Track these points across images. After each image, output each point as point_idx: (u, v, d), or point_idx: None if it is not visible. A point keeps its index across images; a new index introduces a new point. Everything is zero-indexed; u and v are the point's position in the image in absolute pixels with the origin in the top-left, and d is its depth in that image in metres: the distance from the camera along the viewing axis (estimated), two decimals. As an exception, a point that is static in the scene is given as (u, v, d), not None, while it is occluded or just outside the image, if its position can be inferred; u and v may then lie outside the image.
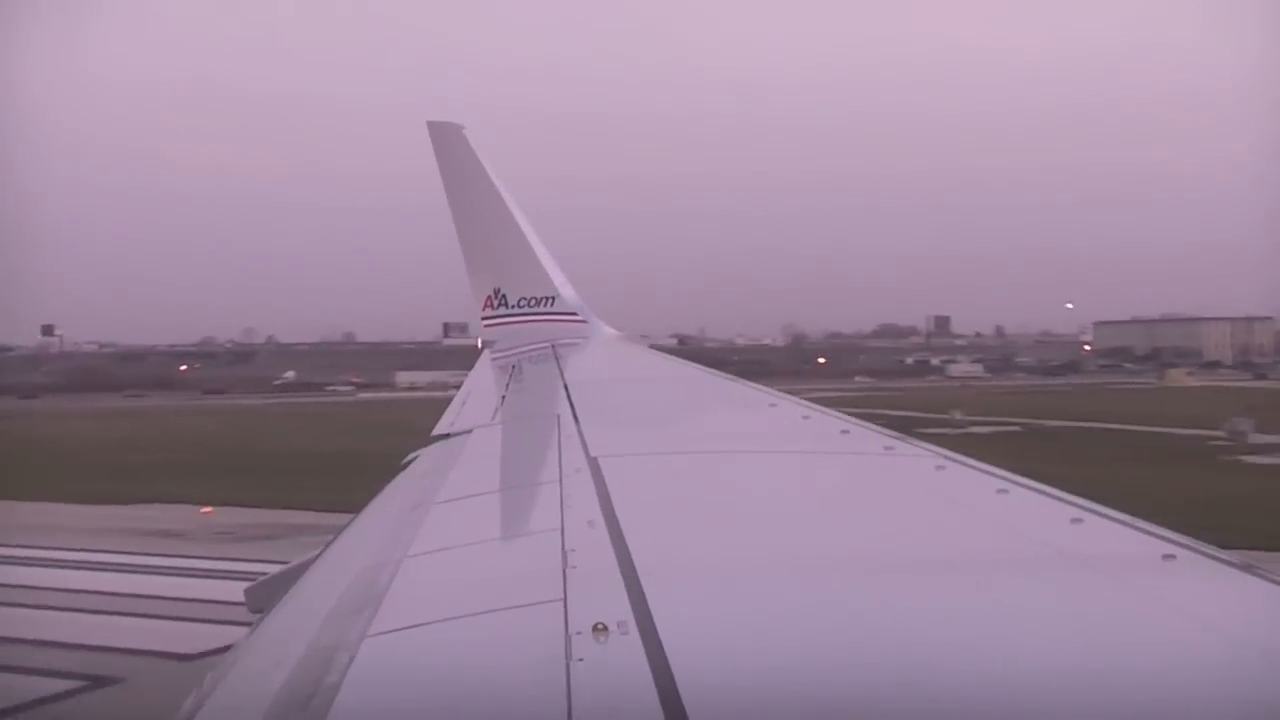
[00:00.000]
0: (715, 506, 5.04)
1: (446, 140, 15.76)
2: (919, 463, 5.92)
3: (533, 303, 15.63)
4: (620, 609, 3.08)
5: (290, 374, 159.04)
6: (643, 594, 3.23)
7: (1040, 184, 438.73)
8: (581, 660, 2.74)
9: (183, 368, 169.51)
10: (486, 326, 15.85)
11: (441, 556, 4.29)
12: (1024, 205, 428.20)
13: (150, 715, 17.00)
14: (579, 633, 2.92)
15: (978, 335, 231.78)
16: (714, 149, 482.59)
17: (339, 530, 5.74)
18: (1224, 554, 3.80)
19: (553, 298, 15.60)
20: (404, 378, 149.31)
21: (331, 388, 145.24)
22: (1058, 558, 3.91)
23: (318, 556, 5.22)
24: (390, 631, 3.25)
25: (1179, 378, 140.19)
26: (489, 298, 15.73)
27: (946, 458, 5.84)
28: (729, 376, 12.55)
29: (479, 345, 16.40)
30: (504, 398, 11.15)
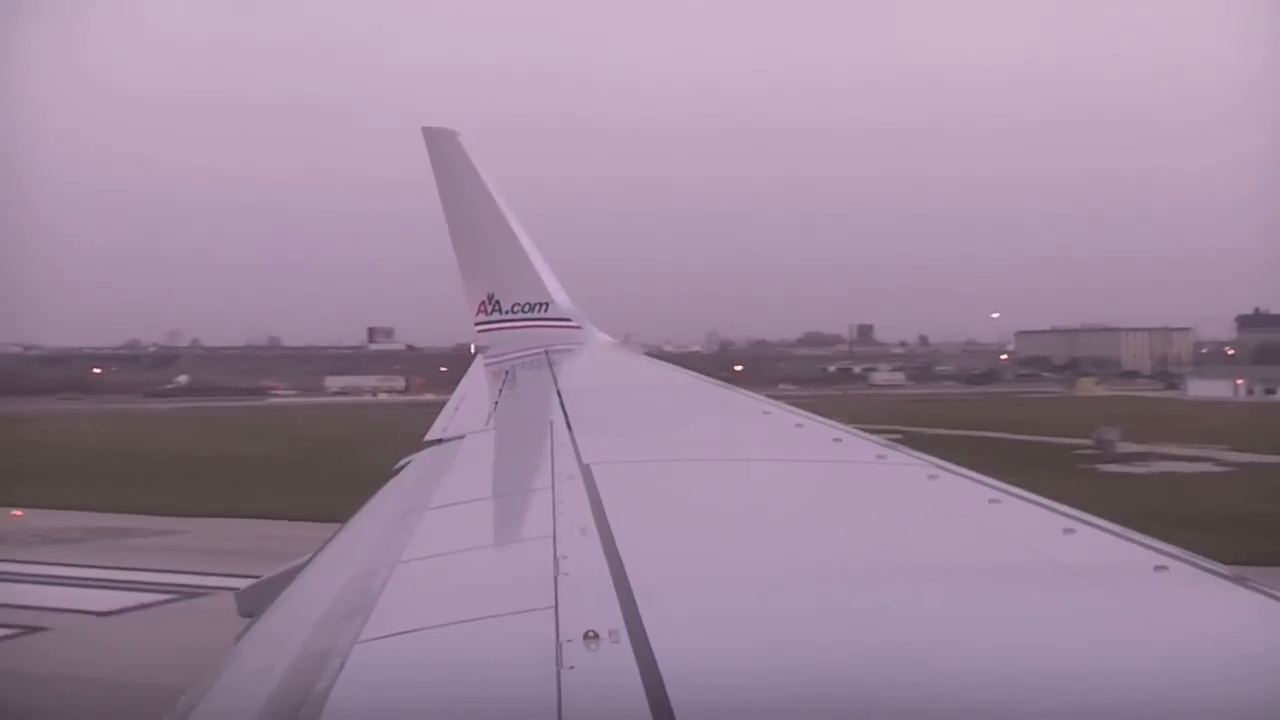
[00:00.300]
0: (707, 514, 5.04)
1: (441, 146, 15.70)
2: (911, 472, 5.90)
3: (526, 309, 15.55)
4: (611, 617, 3.08)
5: (183, 379, 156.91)
6: (634, 602, 3.22)
7: (974, 194, 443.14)
8: (572, 668, 2.74)
9: (96, 371, 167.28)
10: (480, 332, 15.78)
11: (434, 563, 4.27)
12: (957, 215, 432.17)
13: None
14: (570, 640, 2.91)
15: (902, 344, 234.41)
16: (642, 155, 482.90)
17: (332, 535, 5.73)
18: (1216, 565, 3.80)
19: (546, 304, 15.52)
20: (334, 382, 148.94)
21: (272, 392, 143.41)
22: (1050, 568, 3.90)
23: (309, 561, 5.20)
24: (382, 638, 3.24)
25: (1087, 387, 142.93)
26: (483, 303, 15.64)
27: (939, 467, 5.82)
28: (722, 384, 12.64)
29: (472, 350, 16.44)
30: (497, 403, 11.09)
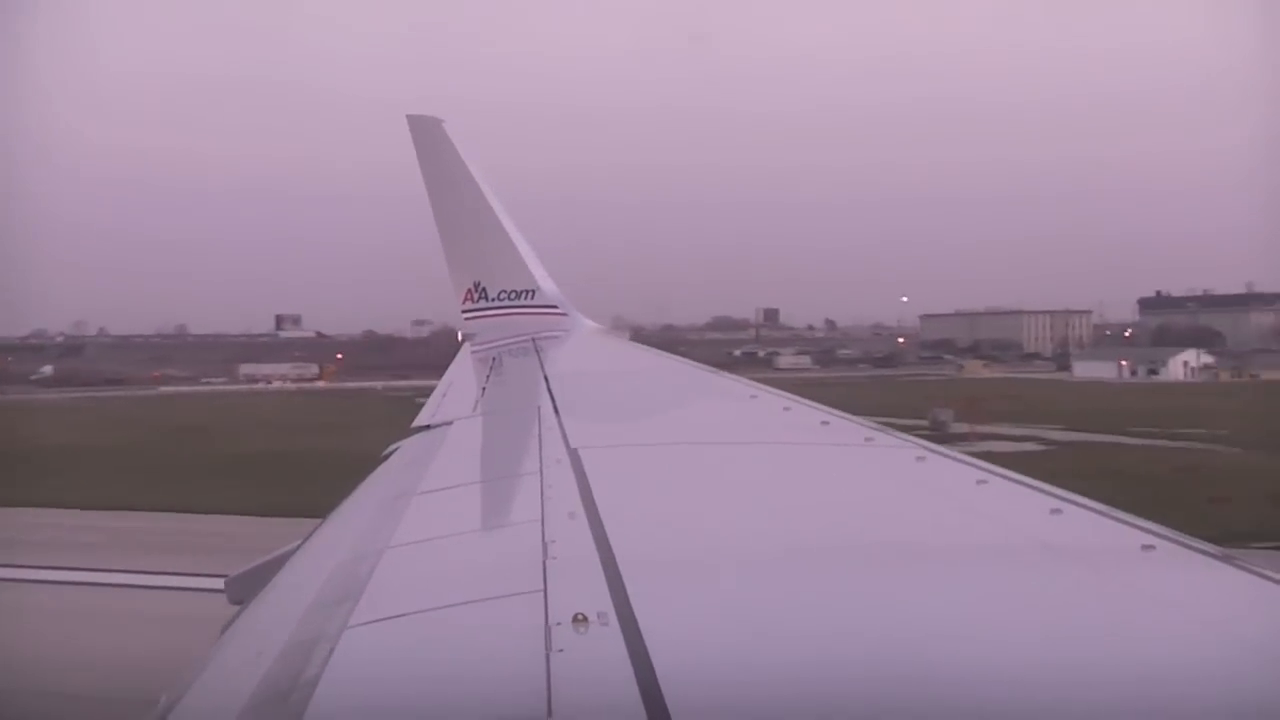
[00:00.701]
0: (695, 498, 5.05)
1: (426, 134, 15.71)
2: (899, 454, 5.93)
3: (513, 296, 15.64)
4: (600, 600, 3.08)
5: (48, 369, 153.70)
6: (623, 585, 3.23)
7: (887, 180, 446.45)
8: (562, 651, 2.75)
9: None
10: (467, 319, 15.84)
11: (422, 548, 4.28)
12: (872, 200, 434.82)
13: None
14: (559, 623, 2.92)
15: (809, 328, 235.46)
16: (544, 139, 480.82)
17: (320, 521, 5.75)
18: (1203, 544, 3.82)
19: (533, 291, 15.61)
20: (249, 370, 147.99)
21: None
22: (1038, 548, 3.91)
23: (298, 548, 5.20)
24: (371, 623, 3.25)
25: (975, 369, 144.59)
26: (469, 291, 15.71)
27: (927, 449, 5.85)
28: (709, 368, 12.65)
29: (459, 337, 16.43)
30: (484, 390, 11.20)
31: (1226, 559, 3.65)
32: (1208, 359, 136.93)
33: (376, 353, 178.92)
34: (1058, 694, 2.59)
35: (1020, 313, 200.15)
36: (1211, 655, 2.89)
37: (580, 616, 2.94)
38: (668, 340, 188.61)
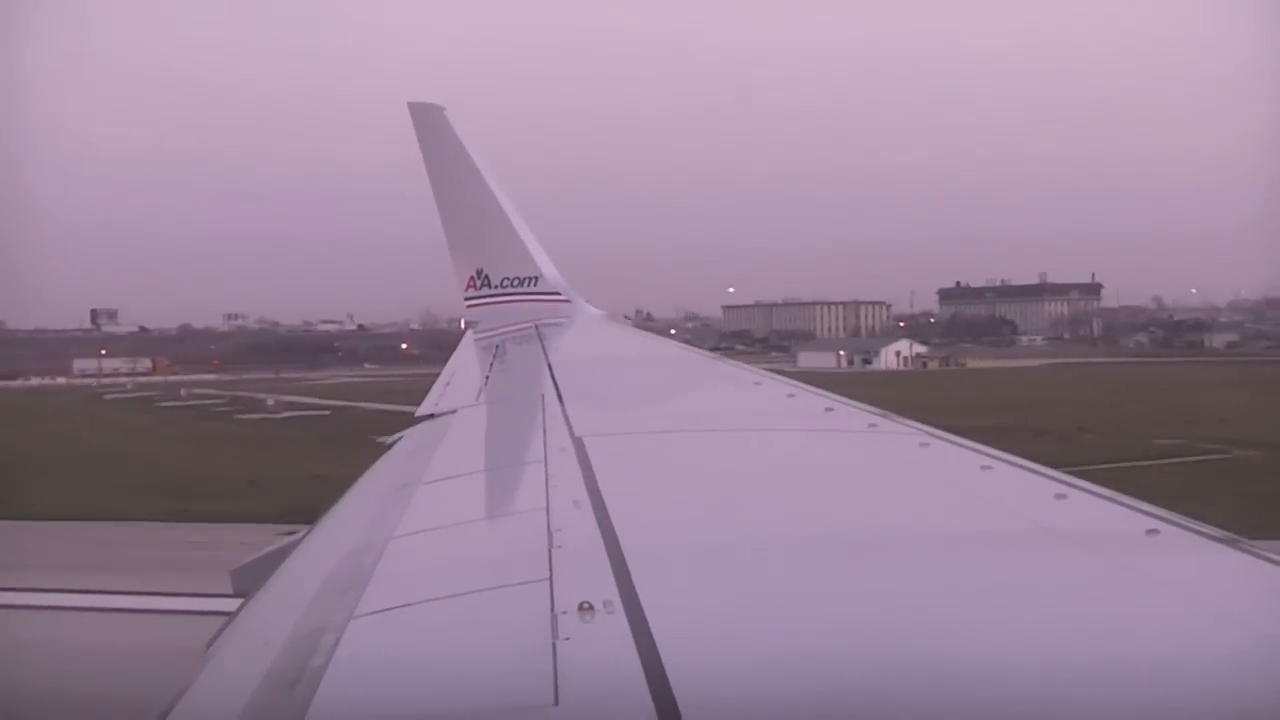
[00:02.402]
0: (700, 486, 5.04)
1: (428, 122, 15.56)
2: (903, 440, 5.90)
3: (516, 283, 15.45)
4: (606, 588, 3.08)
5: None
6: (628, 573, 3.23)
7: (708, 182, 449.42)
8: (568, 639, 2.75)
9: None
10: (470, 307, 15.68)
11: (427, 537, 4.29)
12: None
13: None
14: (565, 612, 2.92)
15: (625, 318, 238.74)
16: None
17: (325, 511, 5.75)
18: (1207, 528, 3.82)
19: (536, 278, 15.42)
20: (80, 365, 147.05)
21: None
22: (1043, 533, 3.92)
23: (303, 538, 5.20)
24: (377, 612, 3.25)
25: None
26: (472, 278, 15.53)
27: (930, 434, 5.83)
28: (713, 355, 12.75)
29: (462, 326, 16.50)
30: (488, 378, 11.14)
31: (1231, 543, 3.65)
32: (920, 349, 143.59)
33: (191, 345, 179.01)
34: (1064, 677, 2.58)
35: (814, 304, 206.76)
36: (1216, 639, 2.88)
37: (586, 605, 2.94)
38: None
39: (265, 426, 73.22)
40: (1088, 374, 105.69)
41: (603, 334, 14.84)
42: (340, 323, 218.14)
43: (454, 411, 8.28)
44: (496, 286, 15.47)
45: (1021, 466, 4.97)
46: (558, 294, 15.42)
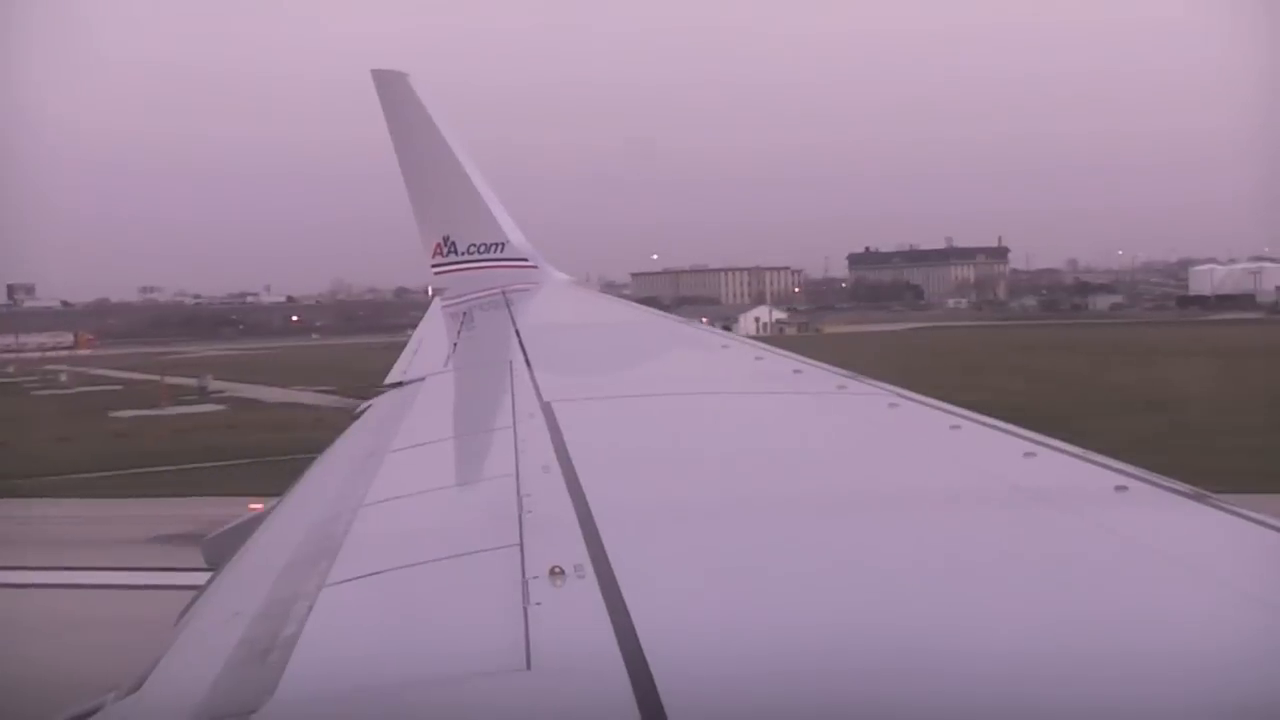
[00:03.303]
0: (669, 449, 5.04)
1: (391, 89, 15.57)
2: (872, 400, 5.91)
3: (482, 249, 15.43)
4: (576, 553, 3.08)
5: None
6: (598, 537, 3.23)
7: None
8: (539, 604, 2.75)
9: None
10: (436, 274, 15.69)
11: (397, 504, 4.30)
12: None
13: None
14: (536, 577, 2.92)
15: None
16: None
17: (295, 480, 5.74)
18: (1175, 484, 3.85)
19: (502, 244, 15.41)
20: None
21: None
22: (1012, 491, 3.94)
23: (274, 508, 5.19)
24: (348, 580, 3.25)
25: None
26: (438, 245, 15.53)
27: (899, 395, 5.84)
28: (681, 319, 12.82)
29: (429, 293, 16.51)
30: (455, 345, 11.17)
31: (1199, 498, 3.68)
32: (780, 315, 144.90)
33: (109, 319, 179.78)
34: (1035, 635, 2.59)
35: (720, 270, 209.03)
36: (1186, 592, 2.90)
37: (557, 569, 2.94)
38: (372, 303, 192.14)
39: (39, 401, 74.17)
40: (939, 338, 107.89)
41: (570, 299, 14.94)
42: (257, 295, 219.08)
43: (422, 379, 8.30)
44: (463, 253, 15.46)
45: (990, 426, 5.00)
46: (525, 260, 15.46)
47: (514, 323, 11.33)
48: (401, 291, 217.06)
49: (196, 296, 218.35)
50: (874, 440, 5.20)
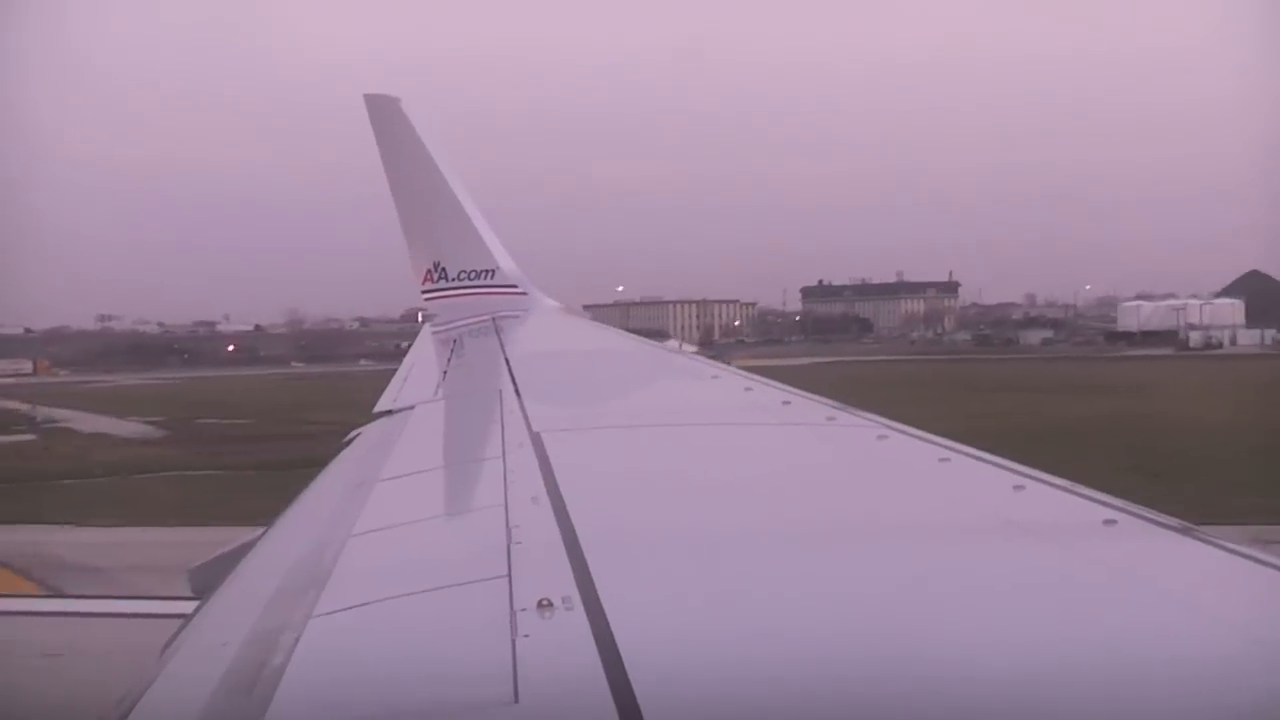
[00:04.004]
0: (659, 481, 5.05)
1: (383, 114, 15.69)
2: (861, 433, 5.93)
3: (473, 276, 15.54)
4: (565, 585, 3.08)
5: None
6: (587, 569, 3.24)
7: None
8: (527, 636, 2.75)
9: None
10: (426, 300, 15.80)
11: (386, 535, 4.29)
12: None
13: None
14: (524, 609, 2.92)
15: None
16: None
17: (283, 509, 5.73)
18: (1164, 518, 3.87)
19: (493, 270, 15.54)
20: None
21: None
22: (1002, 524, 3.95)
23: (261, 536, 5.20)
24: (336, 611, 3.25)
25: None
26: (428, 271, 15.67)
27: (889, 427, 5.86)
28: (670, 349, 12.98)
29: (419, 319, 16.66)
30: (445, 373, 11.15)
31: (1187, 531, 3.69)
32: (690, 347, 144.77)
33: (64, 346, 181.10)
34: (1024, 668, 2.60)
35: (669, 303, 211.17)
36: (1174, 627, 2.91)
37: (545, 602, 2.94)
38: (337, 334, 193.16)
39: None
40: (837, 373, 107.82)
41: (560, 327, 14.98)
42: (216, 323, 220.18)
43: (412, 407, 8.31)
44: (454, 279, 15.58)
45: (979, 458, 4.99)
46: (515, 287, 15.54)
47: (504, 350, 11.39)
48: (364, 321, 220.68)
49: (160, 324, 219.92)
50: (863, 472, 5.22)
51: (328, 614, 3.23)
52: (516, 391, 7.60)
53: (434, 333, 14.77)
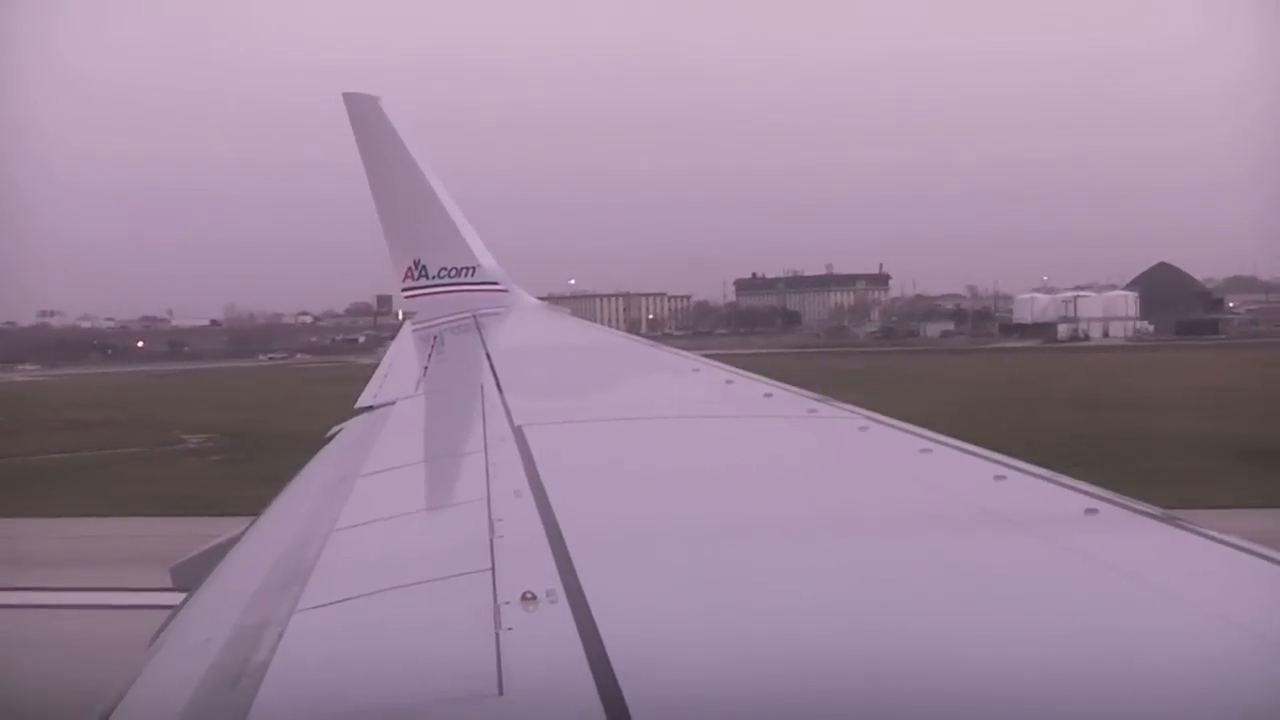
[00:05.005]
0: (641, 473, 5.07)
1: (362, 112, 15.78)
2: (843, 424, 5.98)
3: (453, 273, 15.66)
4: (548, 577, 3.10)
5: None
6: (570, 562, 3.25)
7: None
8: (511, 629, 2.75)
9: None
10: (407, 298, 15.95)
11: (368, 529, 4.29)
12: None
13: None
14: (507, 602, 2.93)
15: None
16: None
17: (265, 505, 5.73)
18: (1145, 506, 3.90)
19: (473, 267, 15.68)
20: None
21: None
22: (982, 514, 3.96)
23: (243, 533, 5.20)
24: (319, 606, 3.25)
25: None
26: (409, 269, 15.80)
27: (869, 418, 5.90)
28: (651, 343, 13.16)
29: (400, 316, 16.91)
30: (426, 369, 11.21)
31: (1168, 519, 3.73)
32: None
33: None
34: (1005, 657, 2.62)
35: (593, 296, 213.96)
36: (1154, 614, 2.94)
37: (529, 594, 2.95)
38: (270, 328, 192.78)
39: None
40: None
41: (541, 322, 15.13)
42: (166, 319, 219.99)
43: (393, 403, 8.31)
44: (434, 277, 15.65)
45: (961, 449, 5.03)
46: (495, 283, 15.65)
47: (485, 346, 11.45)
48: (310, 315, 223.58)
49: (109, 319, 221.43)
50: (846, 463, 5.23)
51: (311, 609, 3.22)
52: (498, 386, 7.65)
53: (415, 330, 14.95)
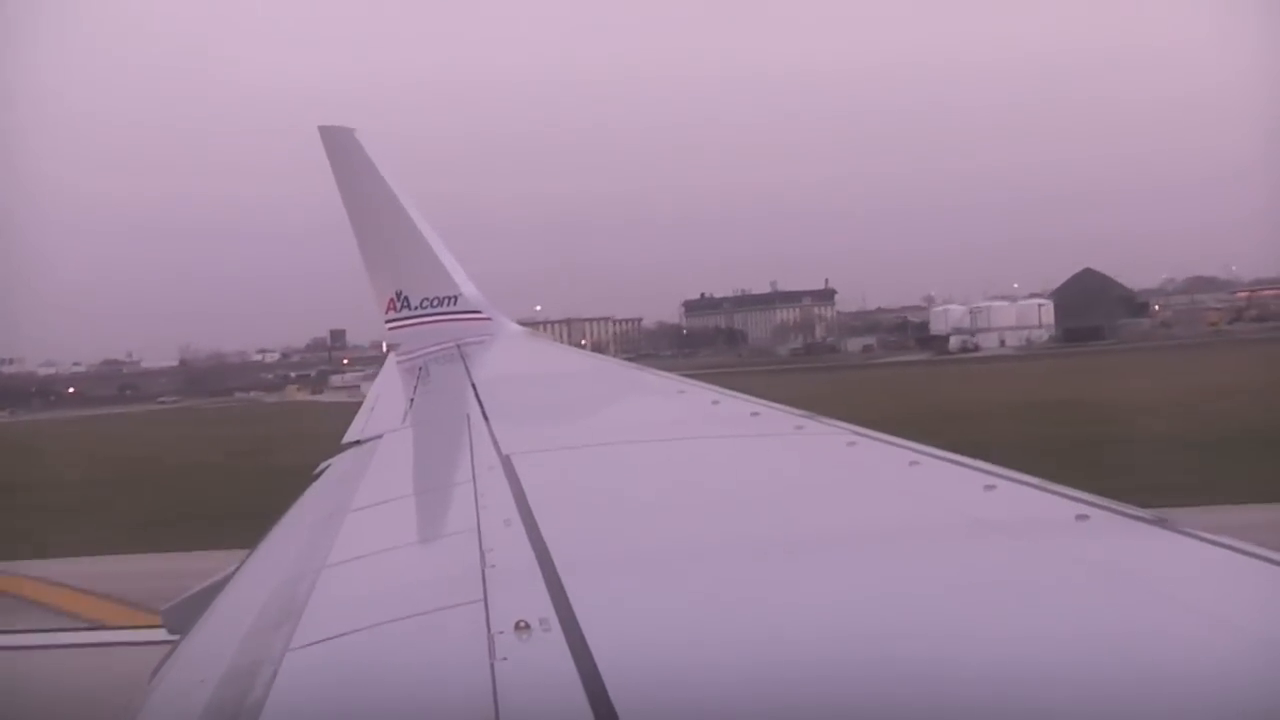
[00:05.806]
0: (631, 498, 5.06)
1: (339, 145, 15.79)
2: (830, 440, 5.97)
3: (436, 303, 15.68)
4: (541, 606, 3.09)
5: None
6: (563, 589, 3.24)
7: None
8: (505, 659, 2.75)
9: None
10: (390, 330, 15.90)
11: (359, 565, 4.28)
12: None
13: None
14: (501, 632, 2.92)
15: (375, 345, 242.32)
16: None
17: (255, 544, 5.74)
18: (1137, 510, 3.89)
19: (455, 297, 15.70)
20: None
21: None
22: (973, 525, 3.95)
23: (234, 572, 5.19)
24: (312, 644, 3.24)
25: (292, 393, 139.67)
26: (391, 300, 15.79)
27: (857, 433, 5.89)
28: (637, 366, 13.04)
29: (384, 349, 16.85)
30: (412, 400, 11.22)
31: (1160, 523, 3.71)
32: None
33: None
34: (1003, 667, 2.61)
35: (536, 323, 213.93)
36: (1148, 619, 2.93)
37: (522, 624, 2.94)
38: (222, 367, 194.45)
39: None
40: None
41: (525, 350, 15.10)
42: (134, 361, 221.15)
43: (380, 436, 8.31)
44: (417, 308, 15.63)
45: (949, 460, 5.01)
46: (478, 312, 15.66)
47: (470, 376, 11.47)
48: (266, 353, 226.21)
49: (76, 364, 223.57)
50: (835, 479, 5.23)
51: (304, 647, 3.21)
52: (484, 415, 7.63)
53: (399, 362, 14.88)
